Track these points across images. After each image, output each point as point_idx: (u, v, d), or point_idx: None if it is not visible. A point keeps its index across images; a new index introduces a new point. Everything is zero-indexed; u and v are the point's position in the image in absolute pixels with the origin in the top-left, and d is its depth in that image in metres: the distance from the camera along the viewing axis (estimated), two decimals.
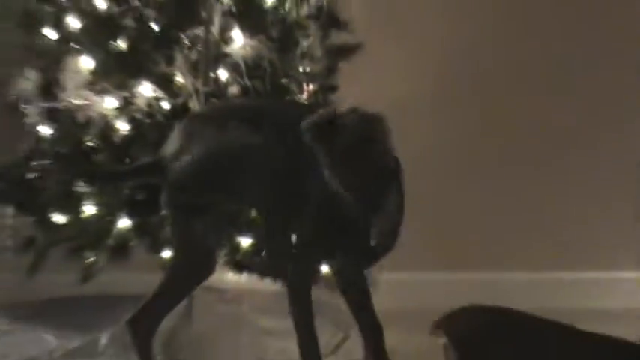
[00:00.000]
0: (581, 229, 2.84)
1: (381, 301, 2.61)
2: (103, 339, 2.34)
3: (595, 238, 2.84)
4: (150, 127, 2.31)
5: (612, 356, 1.94)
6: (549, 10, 2.78)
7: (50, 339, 2.40)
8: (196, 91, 2.26)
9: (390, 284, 2.64)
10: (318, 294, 2.59)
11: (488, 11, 2.77)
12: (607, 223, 2.79)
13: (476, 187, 2.88)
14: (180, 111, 2.30)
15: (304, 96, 2.38)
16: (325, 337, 2.47)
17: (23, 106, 2.36)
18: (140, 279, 2.22)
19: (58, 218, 2.30)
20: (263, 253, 2.37)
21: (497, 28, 2.84)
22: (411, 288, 2.80)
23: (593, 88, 2.80)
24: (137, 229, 2.25)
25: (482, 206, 2.91)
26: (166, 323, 2.22)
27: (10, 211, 2.39)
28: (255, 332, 2.60)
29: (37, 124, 2.35)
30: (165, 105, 2.31)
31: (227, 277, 2.49)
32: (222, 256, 2.33)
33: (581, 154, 2.82)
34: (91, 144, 2.32)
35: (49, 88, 2.34)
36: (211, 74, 2.30)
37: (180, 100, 2.31)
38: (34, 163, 2.34)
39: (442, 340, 1.99)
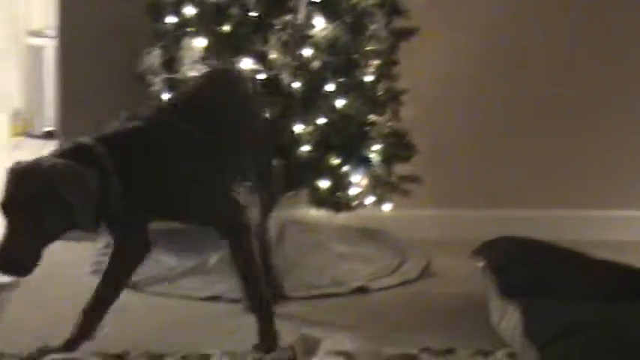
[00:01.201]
0: (598, 175, 3.17)
1: (435, 233, 3.07)
2: (212, 260, 2.74)
3: (610, 181, 3.17)
4: None
5: (621, 278, 2.34)
6: None
7: (170, 260, 2.80)
8: (286, 65, 2.59)
9: (441, 220, 3.11)
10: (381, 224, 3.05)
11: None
12: (620, 169, 3.11)
13: (515, 139, 3.20)
14: (273, 81, 2.64)
15: (371, 69, 2.72)
16: (385, 261, 2.90)
17: (150, 77, 2.71)
18: None
19: None
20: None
21: (527, 11, 3.09)
22: (456, 223, 3.14)
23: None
24: None
25: (519, 155, 3.22)
26: None
27: None
28: (330, 256, 2.94)
29: (160, 91, 2.70)
30: (261, 76, 2.61)
31: (309, 212, 2.89)
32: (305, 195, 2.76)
33: (607, 113, 3.15)
34: None
35: (170, 63, 2.68)
36: (298, 52, 2.61)
37: (273, 73, 2.63)
38: None
39: (481, 263, 2.43)
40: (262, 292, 2.13)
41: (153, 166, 1.91)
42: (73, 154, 1.81)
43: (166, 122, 2.05)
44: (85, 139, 1.88)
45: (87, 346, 2.22)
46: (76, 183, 1.74)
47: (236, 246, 2.01)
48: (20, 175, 1.74)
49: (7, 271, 1.76)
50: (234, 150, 2.27)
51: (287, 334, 2.18)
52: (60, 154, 1.83)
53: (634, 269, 2.41)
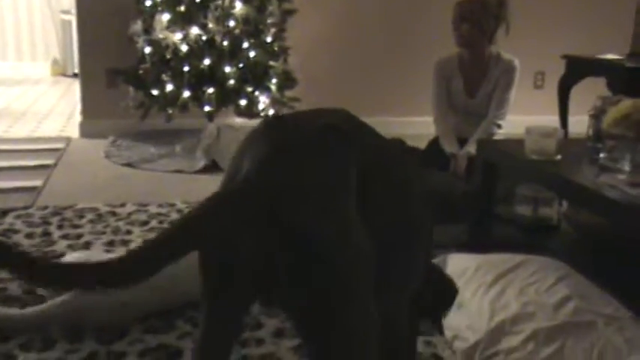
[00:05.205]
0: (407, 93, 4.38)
1: None
2: (177, 148, 3.83)
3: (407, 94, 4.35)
4: (197, 49, 3.61)
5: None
6: None
7: (152, 149, 3.87)
8: (219, 31, 3.51)
9: None
10: None
11: None
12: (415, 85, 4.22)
13: (356, 74, 4.35)
14: (211, 41, 3.54)
15: (270, 34, 3.61)
16: None
17: (135, 38, 3.69)
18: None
19: (155, 92, 3.68)
20: None
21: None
22: None
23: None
24: (193, 98, 3.67)
25: (359, 85, 4.35)
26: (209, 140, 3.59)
27: (130, 89, 3.83)
28: None
29: (142, 46, 3.70)
30: (204, 38, 3.56)
31: (235, 119, 3.86)
32: (232, 109, 3.67)
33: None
34: (168, 56, 3.64)
35: (148, 29, 3.65)
36: (226, 23, 3.53)
37: (211, 35, 3.56)
38: (142, 66, 3.71)
39: None
40: None
41: None
42: None
43: None
44: None
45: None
46: None
47: None
48: None
49: None
50: None
51: None
52: None
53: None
